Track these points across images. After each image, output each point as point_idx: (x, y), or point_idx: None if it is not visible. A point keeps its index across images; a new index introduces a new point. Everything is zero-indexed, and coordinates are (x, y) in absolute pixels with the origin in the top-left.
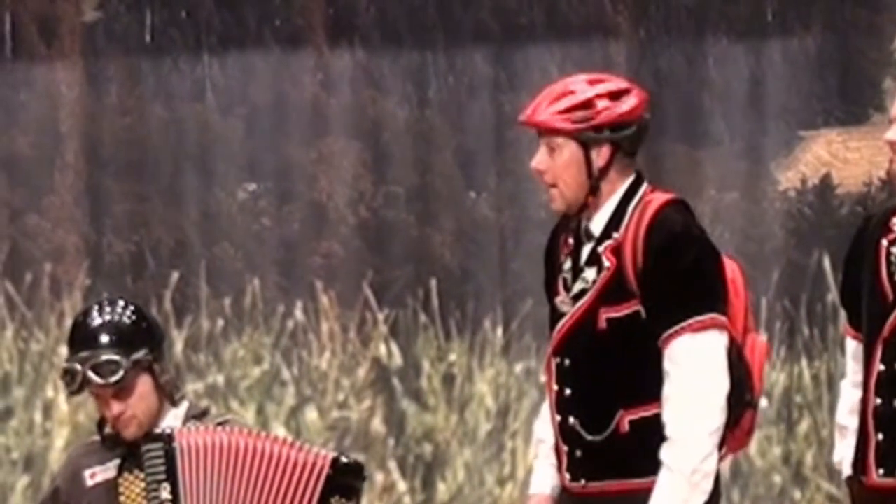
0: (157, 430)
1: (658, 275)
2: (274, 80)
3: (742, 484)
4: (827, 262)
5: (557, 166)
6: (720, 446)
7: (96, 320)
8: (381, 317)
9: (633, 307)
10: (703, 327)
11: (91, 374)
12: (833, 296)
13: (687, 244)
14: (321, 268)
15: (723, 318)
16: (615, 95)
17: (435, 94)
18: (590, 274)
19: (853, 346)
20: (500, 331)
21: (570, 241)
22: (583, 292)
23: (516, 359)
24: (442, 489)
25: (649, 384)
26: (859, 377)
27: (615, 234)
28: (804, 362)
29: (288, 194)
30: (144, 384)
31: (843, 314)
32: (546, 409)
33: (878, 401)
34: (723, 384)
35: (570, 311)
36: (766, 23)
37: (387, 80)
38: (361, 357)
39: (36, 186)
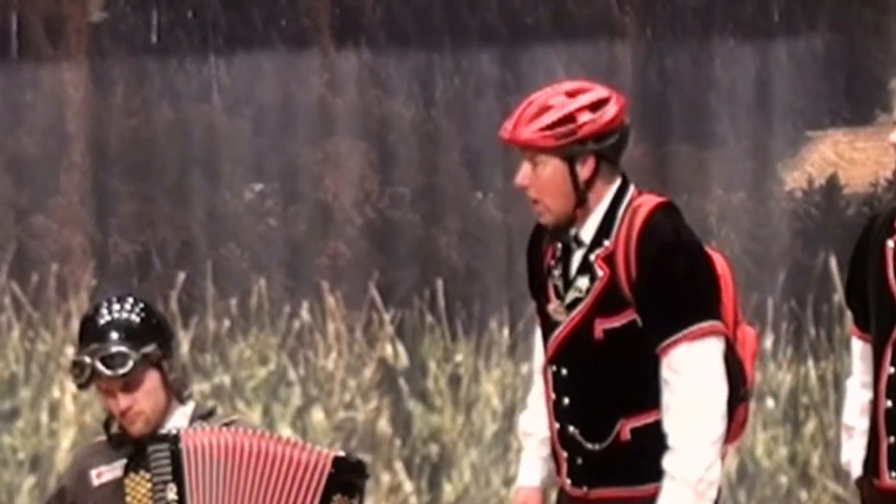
0: (164, 431)
1: (652, 285)
2: (280, 80)
3: (748, 485)
4: (833, 263)
5: (541, 181)
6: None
7: (106, 316)
8: (387, 317)
9: (629, 317)
10: (701, 335)
11: (100, 366)
12: (839, 296)
13: (678, 252)
14: (327, 268)
15: (719, 325)
16: (595, 106)
17: (441, 95)
18: (582, 283)
19: (860, 347)
20: (506, 331)
21: (558, 246)
22: (576, 301)
23: (523, 359)
24: (448, 490)
25: (649, 392)
26: (866, 377)
27: (606, 242)
28: (810, 363)
29: (294, 195)
30: (152, 379)
31: (849, 315)
32: (533, 402)
33: (889, 403)
34: (723, 391)
35: (565, 320)
36: (772, 23)
37: (393, 80)
38: (367, 357)
39: (42, 187)
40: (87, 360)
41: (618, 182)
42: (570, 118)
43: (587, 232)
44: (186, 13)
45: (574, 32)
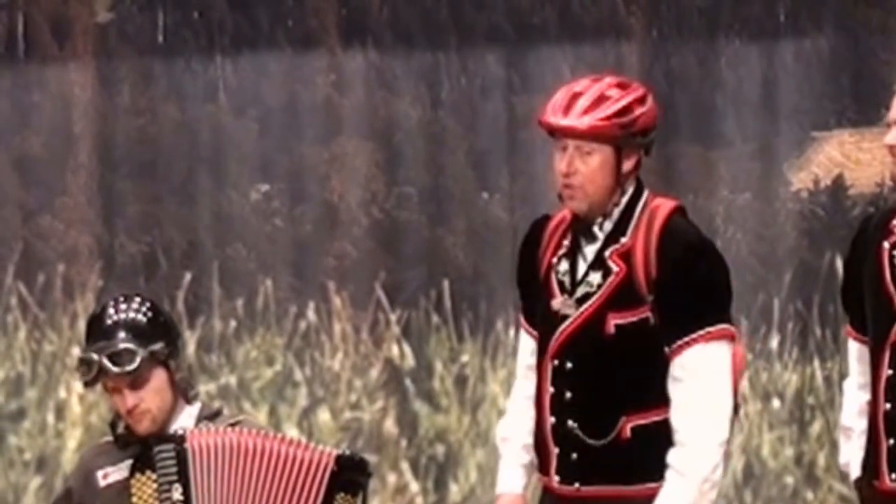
0: (169, 431)
1: (675, 285)
2: (286, 80)
3: (754, 485)
4: (839, 263)
5: (589, 170)
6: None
7: (113, 314)
8: (393, 318)
9: (642, 313)
10: (717, 337)
11: (107, 363)
12: None
13: (702, 254)
14: (333, 269)
15: (732, 329)
16: (642, 100)
17: (447, 95)
18: (594, 278)
19: (856, 348)
20: (512, 331)
21: (564, 242)
22: (587, 296)
23: None
24: (454, 490)
25: (653, 391)
26: (863, 379)
27: (622, 239)
28: (816, 363)
29: (300, 195)
30: (159, 378)
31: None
32: (513, 408)
33: (888, 406)
34: (731, 395)
35: (574, 314)
36: (778, 24)
37: (399, 81)
38: (374, 358)
39: (48, 187)
40: (95, 356)
41: (636, 181)
42: (628, 109)
43: (602, 227)
44: (193, 14)
45: (580, 33)
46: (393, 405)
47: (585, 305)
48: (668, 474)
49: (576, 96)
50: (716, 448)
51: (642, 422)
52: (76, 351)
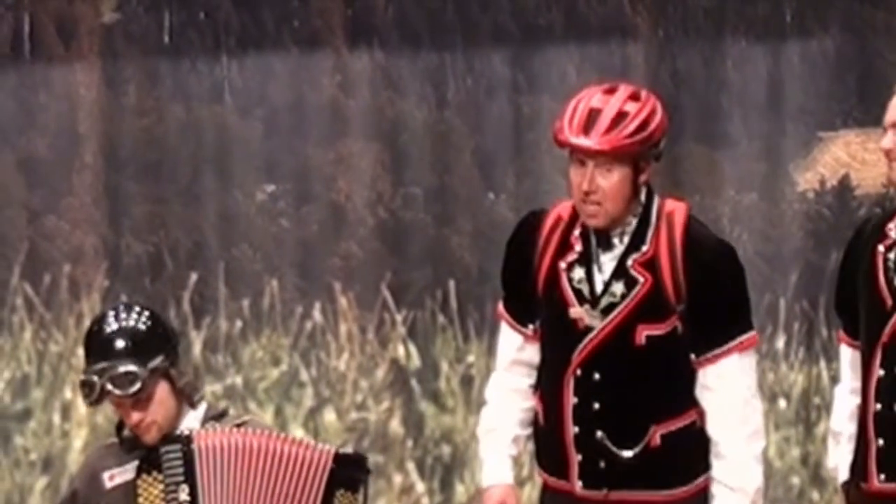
0: (176, 432)
1: (706, 294)
2: (292, 81)
3: None
4: None
5: (611, 186)
6: None
7: (111, 329)
8: (399, 318)
9: (672, 324)
10: (749, 346)
11: (109, 386)
12: None
13: (728, 261)
14: (339, 269)
15: (757, 336)
16: (655, 111)
17: (453, 96)
18: (618, 288)
19: (849, 354)
20: None
21: (577, 247)
22: (611, 306)
23: None
24: (460, 490)
25: (681, 397)
26: (855, 384)
27: (643, 247)
28: (822, 363)
29: (306, 196)
30: (162, 390)
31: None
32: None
33: (879, 406)
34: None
35: (600, 325)
36: (784, 24)
37: (405, 81)
38: (380, 358)
39: (54, 188)
40: (97, 379)
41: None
42: (645, 125)
43: (620, 236)
44: (198, 14)
45: (586, 33)
46: (399, 405)
47: (611, 316)
48: (718, 489)
49: (594, 112)
50: (759, 457)
51: (671, 428)
52: (82, 351)
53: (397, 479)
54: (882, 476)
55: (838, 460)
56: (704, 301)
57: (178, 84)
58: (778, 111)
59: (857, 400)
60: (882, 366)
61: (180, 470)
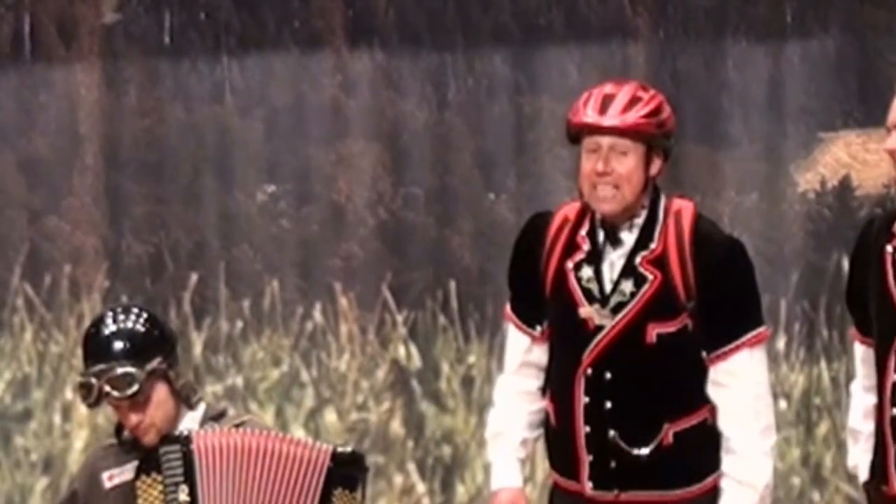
0: (175, 433)
1: (716, 290)
2: (293, 81)
3: None
4: (846, 264)
5: (626, 169)
6: None
7: (109, 331)
8: (399, 318)
9: (683, 321)
10: (760, 341)
11: (107, 388)
12: None
13: (738, 256)
14: (340, 269)
15: (768, 331)
16: (664, 102)
17: (454, 96)
18: (627, 286)
19: (862, 351)
20: None
21: (585, 246)
22: (621, 305)
23: None
24: (461, 491)
25: (692, 394)
26: (869, 381)
27: (651, 245)
28: (823, 364)
29: (307, 196)
30: (160, 392)
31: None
32: (506, 403)
33: (895, 411)
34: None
35: (610, 324)
36: (785, 25)
37: (406, 81)
38: (380, 359)
39: (55, 188)
40: (94, 381)
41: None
42: (658, 110)
43: (628, 233)
44: (199, 14)
45: (587, 34)
46: (399, 406)
47: (621, 315)
48: (727, 484)
49: (608, 97)
50: (770, 453)
51: (684, 426)
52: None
53: (398, 479)
54: None
55: (858, 459)
56: (714, 297)
57: (178, 84)
58: (778, 112)
59: (873, 398)
60: None
61: (180, 470)
